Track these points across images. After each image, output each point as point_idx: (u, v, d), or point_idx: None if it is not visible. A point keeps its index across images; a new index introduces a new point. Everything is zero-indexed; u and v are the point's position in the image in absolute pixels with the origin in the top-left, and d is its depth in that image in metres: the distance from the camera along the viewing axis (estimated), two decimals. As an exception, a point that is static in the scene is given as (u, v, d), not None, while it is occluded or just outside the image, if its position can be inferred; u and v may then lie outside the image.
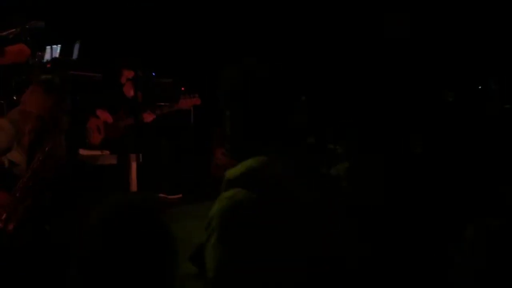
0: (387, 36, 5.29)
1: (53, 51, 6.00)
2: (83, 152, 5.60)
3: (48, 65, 5.97)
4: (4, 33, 4.84)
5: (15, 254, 3.26)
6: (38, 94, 3.48)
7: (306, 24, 6.48)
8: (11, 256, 3.23)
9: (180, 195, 5.82)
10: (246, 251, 1.51)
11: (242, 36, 6.83)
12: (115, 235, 1.25)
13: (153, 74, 6.63)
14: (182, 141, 6.53)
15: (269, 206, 1.54)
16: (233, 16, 7.01)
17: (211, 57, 6.96)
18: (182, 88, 6.43)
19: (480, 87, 5.42)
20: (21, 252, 3.28)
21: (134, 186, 5.30)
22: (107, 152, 5.64)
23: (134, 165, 5.36)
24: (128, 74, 5.93)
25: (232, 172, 1.62)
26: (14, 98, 4.93)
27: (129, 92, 5.88)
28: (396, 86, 5.02)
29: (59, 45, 6.04)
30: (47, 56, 5.96)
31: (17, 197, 3.37)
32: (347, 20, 6.06)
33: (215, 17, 7.07)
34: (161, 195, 5.63)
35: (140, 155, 5.42)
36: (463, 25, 5.44)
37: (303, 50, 6.28)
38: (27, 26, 4.96)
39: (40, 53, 5.79)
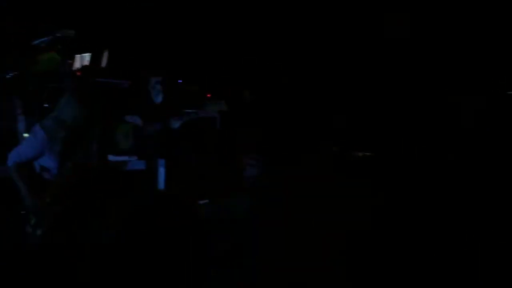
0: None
1: (83, 59, 6.12)
2: (112, 158, 5.69)
3: (78, 73, 6.09)
4: (36, 42, 4.97)
5: (42, 258, 3.33)
6: (72, 104, 3.55)
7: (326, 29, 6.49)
8: (38, 260, 3.31)
9: (207, 201, 5.86)
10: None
11: (262, 42, 6.87)
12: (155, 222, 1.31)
13: (180, 81, 6.71)
14: (209, 146, 6.59)
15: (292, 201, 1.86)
16: (256, 24, 7.06)
17: (237, 65, 7.03)
18: (208, 95, 6.50)
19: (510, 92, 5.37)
20: (48, 256, 3.35)
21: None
22: (135, 157, 5.72)
23: (162, 170, 5.44)
24: (155, 81, 6.01)
25: (260, 176, 1.94)
26: (46, 105, 5.04)
27: (157, 98, 5.96)
28: (421, 91, 5.01)
29: (89, 54, 6.16)
30: (77, 64, 6.08)
31: (47, 203, 3.45)
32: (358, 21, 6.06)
33: (241, 26, 7.13)
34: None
35: (167, 160, 5.49)
36: (495, 32, 5.41)
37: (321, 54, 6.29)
38: (58, 35, 5.08)
39: (70, 61, 5.91)
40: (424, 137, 4.28)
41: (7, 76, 5.05)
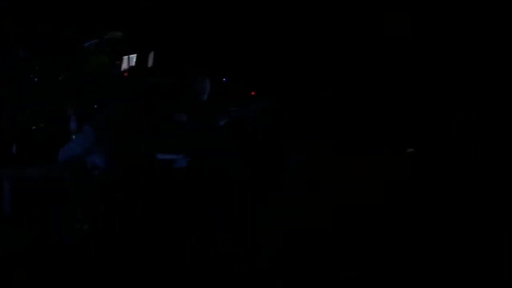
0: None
1: (130, 60, 6.26)
2: (159, 156, 5.79)
3: (126, 74, 6.24)
4: (86, 44, 5.13)
5: (89, 253, 3.43)
6: (120, 104, 3.67)
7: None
8: (85, 255, 3.40)
9: (255, 198, 5.90)
10: None
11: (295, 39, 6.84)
12: None
13: (224, 79, 6.79)
14: (253, 144, 6.62)
15: None
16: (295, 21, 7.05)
17: (280, 62, 7.04)
18: (252, 93, 6.55)
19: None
20: (94, 251, 3.44)
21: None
22: (182, 156, 5.81)
23: (205, 168, 5.50)
24: (200, 79, 6.10)
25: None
26: (95, 106, 5.20)
27: (202, 97, 6.04)
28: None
29: (135, 54, 6.30)
30: (125, 65, 6.23)
31: (94, 200, 3.56)
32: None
33: (283, 23, 7.14)
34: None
35: (212, 158, 5.56)
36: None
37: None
38: (106, 37, 5.23)
39: (118, 62, 6.07)
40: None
41: (59, 78, 5.24)
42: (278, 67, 6.55)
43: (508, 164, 3.39)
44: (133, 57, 6.24)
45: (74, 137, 4.81)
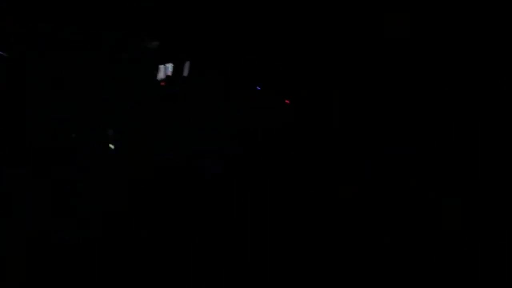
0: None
1: (166, 69, 6.37)
2: (193, 162, 5.88)
3: (162, 83, 6.35)
4: (123, 55, 5.24)
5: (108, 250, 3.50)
6: (156, 112, 3.77)
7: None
8: (104, 253, 3.47)
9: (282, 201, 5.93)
10: None
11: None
12: None
13: (258, 88, 6.83)
14: (287, 150, 6.65)
15: None
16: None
17: (316, 72, 7.04)
18: (287, 101, 6.57)
19: None
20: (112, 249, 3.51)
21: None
22: (216, 161, 5.88)
23: (239, 174, 5.56)
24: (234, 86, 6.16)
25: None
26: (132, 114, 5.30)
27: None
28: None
29: (171, 64, 6.41)
30: (161, 75, 6.34)
31: (111, 203, 3.65)
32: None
33: (317, 32, 7.14)
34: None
35: (247, 164, 5.60)
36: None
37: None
38: (141, 46, 5.35)
39: (154, 72, 6.19)
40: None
41: (94, 87, 5.37)
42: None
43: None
44: (169, 66, 6.35)
45: (112, 146, 4.92)
